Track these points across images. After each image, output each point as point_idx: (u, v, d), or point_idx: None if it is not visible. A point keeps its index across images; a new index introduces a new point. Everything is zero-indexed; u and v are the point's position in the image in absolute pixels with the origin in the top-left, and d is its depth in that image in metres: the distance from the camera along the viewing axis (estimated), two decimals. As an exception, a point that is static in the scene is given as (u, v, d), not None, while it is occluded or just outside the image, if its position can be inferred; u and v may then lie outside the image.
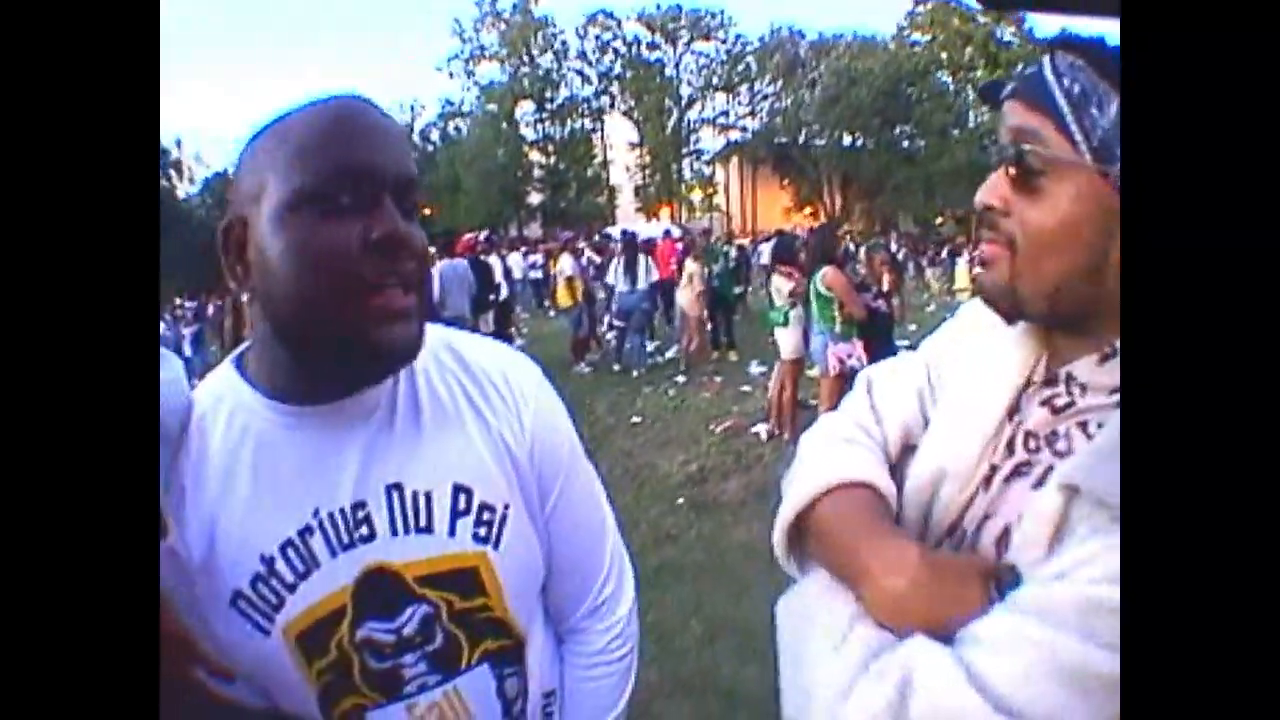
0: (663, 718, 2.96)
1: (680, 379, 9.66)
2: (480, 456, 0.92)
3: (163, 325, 14.65)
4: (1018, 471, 0.79)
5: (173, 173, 37.36)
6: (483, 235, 12.51)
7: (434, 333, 0.95)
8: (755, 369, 9.62)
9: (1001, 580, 0.71)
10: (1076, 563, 0.65)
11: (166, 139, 36.85)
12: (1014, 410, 0.82)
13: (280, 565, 0.86)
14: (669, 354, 11.28)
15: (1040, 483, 0.76)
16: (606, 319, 11.49)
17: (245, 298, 0.86)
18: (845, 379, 5.35)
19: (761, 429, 6.92)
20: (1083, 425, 0.76)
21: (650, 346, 11.51)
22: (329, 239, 0.78)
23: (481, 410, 0.94)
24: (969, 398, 0.86)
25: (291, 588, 0.86)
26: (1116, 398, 0.75)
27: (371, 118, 0.83)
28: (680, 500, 5.46)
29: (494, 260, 11.49)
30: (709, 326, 10.93)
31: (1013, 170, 0.76)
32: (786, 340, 6.58)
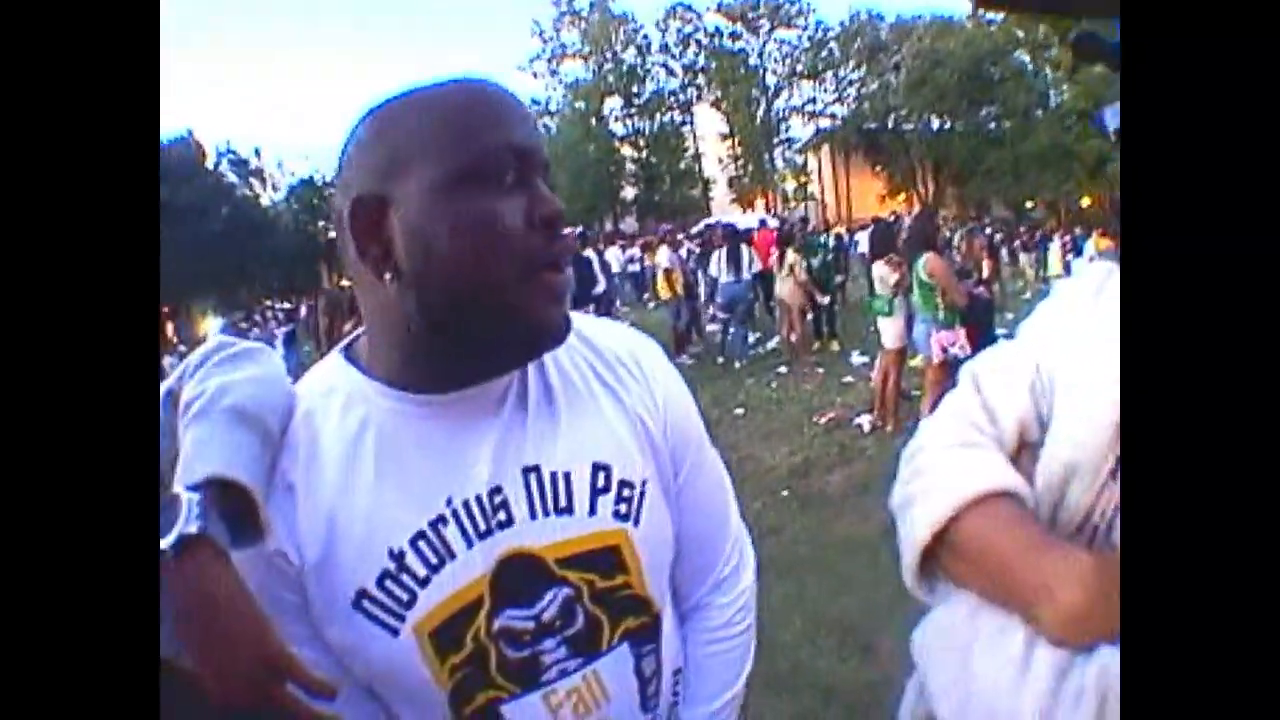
0: (760, 714, 2.91)
1: (782, 370, 9.60)
2: (617, 434, 0.91)
3: (254, 327, 15.17)
4: None
5: (254, 181, 38.92)
6: (577, 231, 12.70)
7: None
8: (856, 359, 9.48)
9: None
10: None
11: (245, 149, 38.57)
12: None
13: (411, 559, 0.82)
14: (770, 345, 11.22)
15: None
16: (710, 310, 11.48)
17: (388, 278, 0.80)
18: (949, 367, 5.24)
19: (864, 420, 6.82)
20: None
21: (751, 338, 11.47)
22: (496, 218, 0.77)
23: (615, 389, 0.93)
24: (1089, 388, 0.79)
25: (424, 582, 0.83)
26: None
27: (515, 99, 0.83)
28: (784, 493, 5.43)
29: (590, 255, 11.66)
30: (809, 317, 10.80)
31: None
32: (890, 329, 6.47)
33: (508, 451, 0.86)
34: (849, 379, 8.69)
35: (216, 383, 0.82)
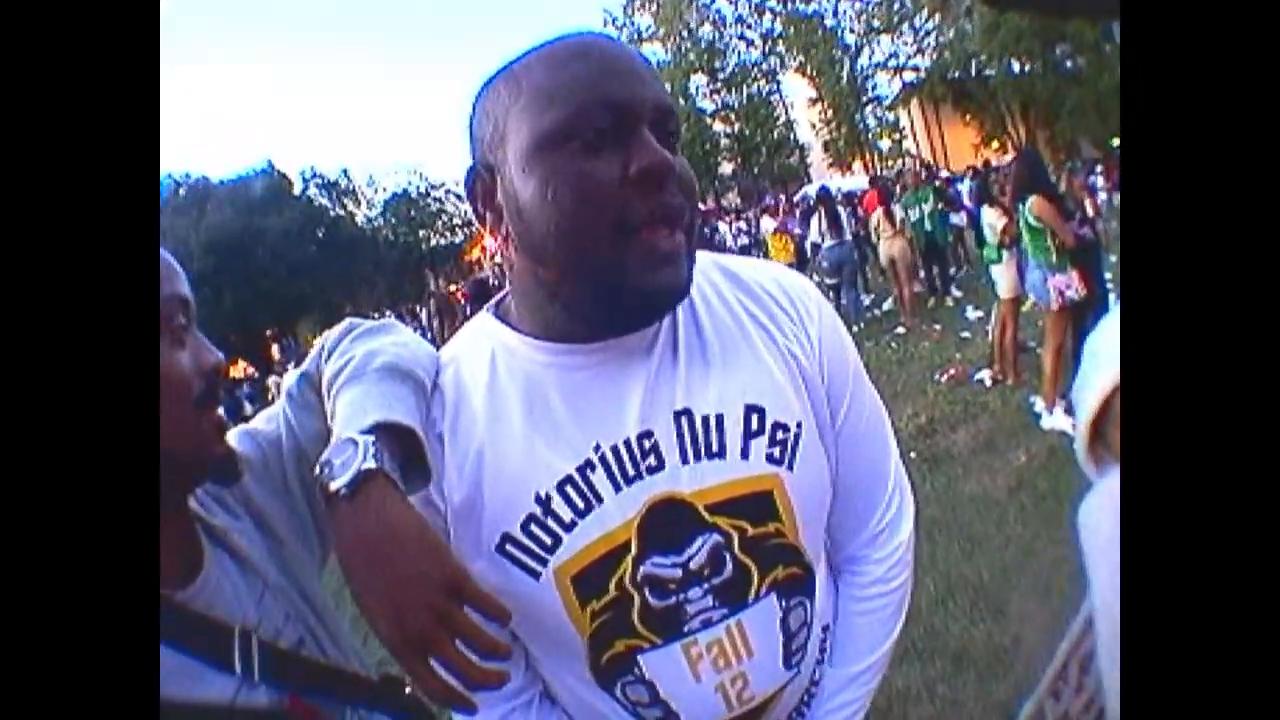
0: (891, 680, 2.91)
1: (900, 330, 9.38)
2: (771, 374, 0.88)
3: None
4: None
5: (346, 201, 40.21)
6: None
7: (702, 257, 0.91)
8: (973, 313, 9.16)
9: None
10: None
11: (333, 171, 39.82)
12: None
13: (558, 504, 0.82)
14: (885, 305, 10.96)
15: None
16: (815, 277, 11.35)
17: (500, 242, 0.83)
18: (1067, 312, 5.01)
19: (985, 375, 6.61)
20: None
21: (866, 300, 11.22)
22: (585, 176, 0.75)
23: (767, 326, 0.90)
24: None
25: (569, 527, 0.82)
26: None
27: (616, 49, 0.79)
28: (912, 454, 5.31)
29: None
30: (921, 273, 10.51)
31: None
32: (1003, 277, 6.22)
33: (658, 396, 0.85)
34: (966, 334, 8.42)
35: (363, 349, 0.85)
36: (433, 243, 41.31)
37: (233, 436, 0.87)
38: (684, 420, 0.84)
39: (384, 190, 41.19)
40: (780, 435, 0.87)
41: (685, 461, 0.84)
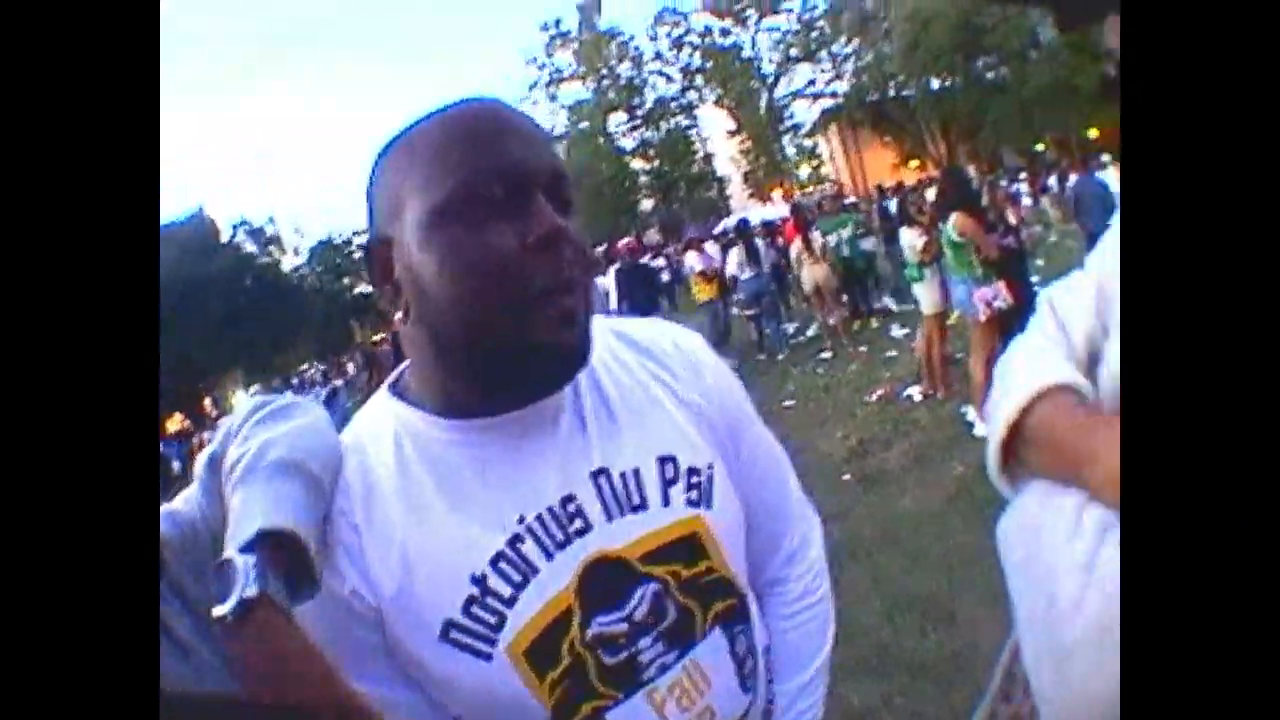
0: (847, 700, 2.92)
1: (826, 355, 9.52)
2: (677, 423, 0.92)
3: (290, 393, 15.54)
4: None
5: (273, 248, 39.58)
6: (622, 244, 12.77)
7: (596, 324, 0.93)
8: (898, 331, 9.37)
9: None
10: None
11: (260, 218, 39.25)
12: None
13: (494, 581, 0.82)
14: (810, 332, 11.14)
15: None
16: (735, 310, 11.47)
17: (399, 317, 0.83)
18: (996, 322, 5.13)
19: (914, 391, 6.72)
20: None
21: (791, 327, 11.36)
22: (484, 245, 0.75)
23: (667, 381, 0.94)
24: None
25: (510, 602, 0.82)
26: None
27: (508, 115, 0.80)
28: (845, 476, 5.38)
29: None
30: (845, 297, 10.71)
31: None
32: (926, 295, 6.36)
33: (573, 459, 0.86)
34: (893, 353, 8.58)
35: (259, 440, 0.81)
36: (358, 290, 40.63)
37: (163, 523, 0.82)
38: (603, 479, 0.87)
39: (309, 237, 40.59)
40: (695, 479, 0.91)
41: (611, 519, 0.86)
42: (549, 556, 0.83)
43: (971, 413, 5.46)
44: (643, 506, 0.87)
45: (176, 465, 15.20)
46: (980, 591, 3.18)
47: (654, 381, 0.94)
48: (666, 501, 0.88)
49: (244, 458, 0.80)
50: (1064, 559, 0.72)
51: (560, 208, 0.78)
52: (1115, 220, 0.97)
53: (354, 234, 40.56)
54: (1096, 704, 0.67)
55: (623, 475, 0.87)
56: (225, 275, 32.90)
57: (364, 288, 40.08)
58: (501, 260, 0.75)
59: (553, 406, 0.86)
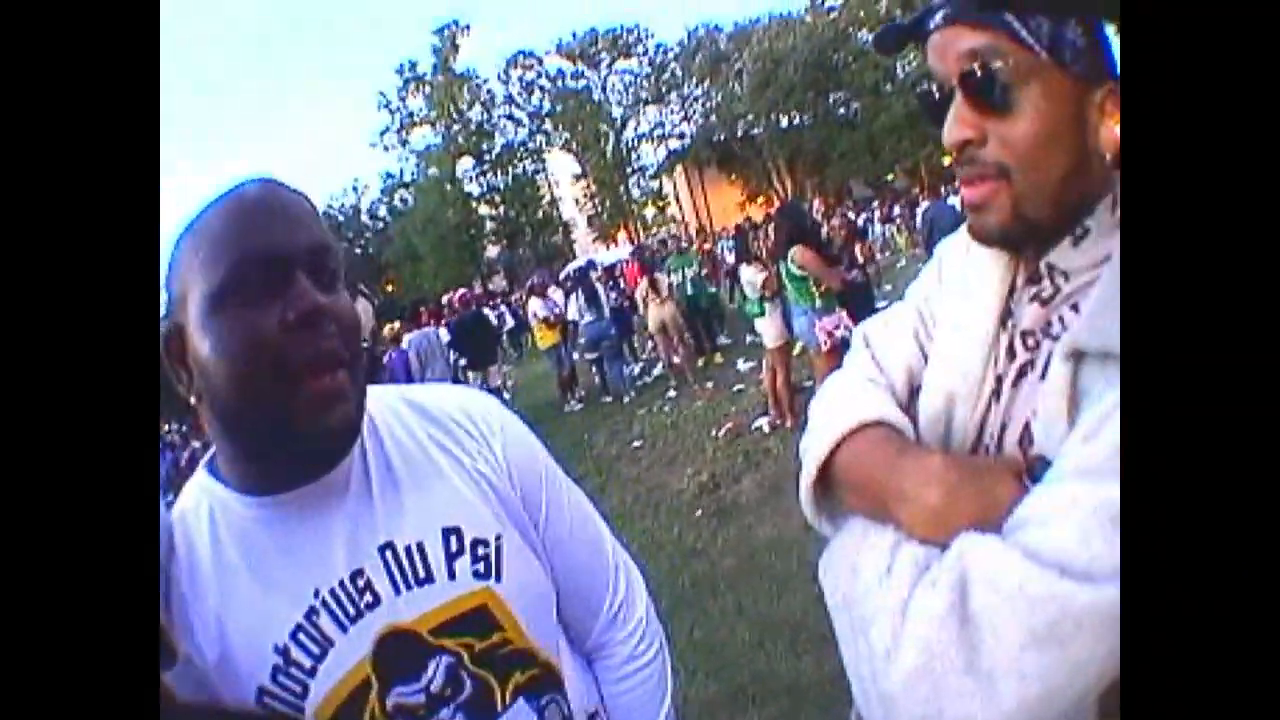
0: None
1: (671, 394, 9.61)
2: (461, 495, 0.92)
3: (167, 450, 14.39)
4: (1023, 372, 0.79)
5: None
6: (457, 295, 12.59)
7: (386, 391, 0.99)
8: (743, 365, 9.60)
9: (1032, 469, 0.71)
10: (1100, 418, 0.64)
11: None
12: (1005, 317, 0.83)
13: (296, 653, 0.85)
14: (656, 372, 11.26)
15: (1046, 374, 0.75)
16: (576, 355, 11.49)
17: (193, 401, 0.86)
18: (838, 351, 5.31)
19: (763, 422, 6.87)
20: (1074, 307, 0.76)
21: (636, 369, 11.45)
22: (247, 329, 0.78)
23: (452, 451, 0.95)
24: (959, 317, 0.86)
25: (311, 672, 0.85)
26: (1098, 271, 0.74)
27: (271, 197, 0.83)
28: (699, 512, 5.39)
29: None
30: (687, 336, 10.89)
31: (974, 97, 0.75)
32: (769, 329, 6.56)
33: (360, 533, 0.88)
34: (740, 387, 8.77)
35: None
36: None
37: None
38: (388, 553, 0.88)
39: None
40: (482, 550, 0.91)
41: (399, 592, 0.88)
42: (343, 629, 0.86)
43: (820, 439, 5.60)
44: (429, 580, 0.89)
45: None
46: None
47: (439, 451, 0.95)
48: (452, 575, 0.89)
49: None
50: (877, 603, 0.70)
51: (324, 282, 0.81)
52: (940, 244, 1.00)
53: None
54: None
55: (407, 548, 0.89)
56: None
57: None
58: (261, 340, 0.78)
59: (341, 478, 0.89)
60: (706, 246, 11.97)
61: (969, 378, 0.83)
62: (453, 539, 0.90)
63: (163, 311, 0.87)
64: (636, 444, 7.83)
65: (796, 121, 34.41)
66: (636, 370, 11.63)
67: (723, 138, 36.20)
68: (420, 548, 0.89)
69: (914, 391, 0.91)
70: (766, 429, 6.74)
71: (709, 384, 9.41)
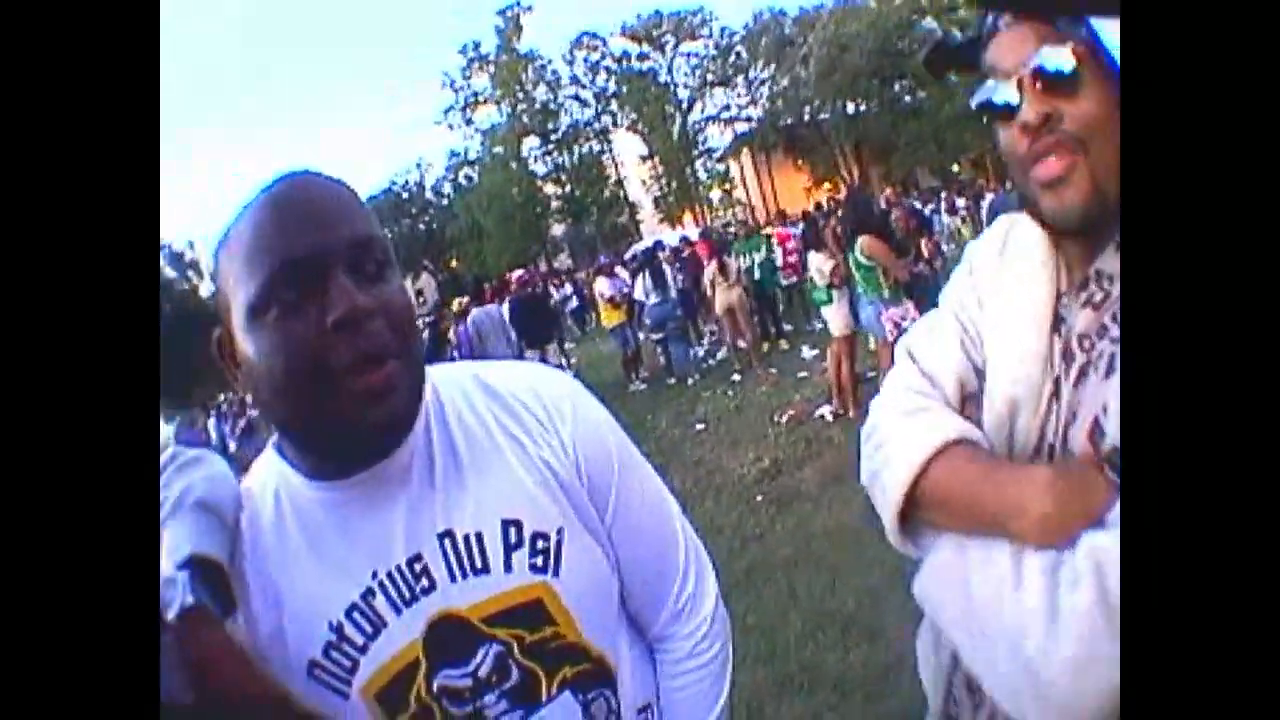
0: (774, 717, 2.91)
1: (736, 378, 9.61)
2: (523, 485, 0.91)
3: (211, 422, 14.86)
4: (1084, 372, 0.83)
5: (191, 273, 38.44)
6: (517, 274, 12.75)
7: (462, 369, 0.98)
8: (808, 353, 9.53)
9: (1112, 462, 0.76)
10: None
11: (179, 242, 38.07)
12: (1057, 323, 0.87)
13: (349, 630, 0.87)
14: (720, 355, 11.26)
15: (1110, 370, 0.80)
16: (642, 335, 11.52)
17: (249, 399, 0.89)
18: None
19: (825, 411, 6.83)
20: None
21: (700, 351, 11.45)
22: (287, 338, 0.78)
23: (518, 437, 0.93)
24: (1013, 328, 0.90)
25: (363, 649, 0.87)
26: None
27: (302, 195, 0.81)
28: (759, 498, 5.41)
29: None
30: (756, 319, 10.86)
31: (1046, 79, 0.80)
32: (835, 317, 6.51)
33: (420, 519, 0.89)
34: (804, 374, 8.72)
35: (181, 484, 0.88)
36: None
37: None
38: (447, 541, 0.89)
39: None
40: (541, 544, 0.91)
41: (454, 580, 0.89)
42: (398, 611, 0.88)
43: (883, 431, 5.55)
44: (485, 570, 0.89)
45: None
46: (904, 605, 3.16)
47: (504, 435, 0.93)
48: (509, 567, 0.89)
49: (169, 500, 0.86)
50: (1016, 608, 0.75)
51: (369, 275, 0.81)
52: (965, 251, 1.04)
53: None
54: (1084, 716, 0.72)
55: (466, 538, 0.89)
56: None
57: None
58: (304, 346, 0.78)
59: (404, 461, 0.89)
60: (783, 232, 11.77)
61: (1030, 385, 0.87)
62: (512, 530, 0.90)
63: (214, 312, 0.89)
64: (699, 426, 7.88)
65: (863, 109, 33.70)
66: (701, 353, 11.63)
67: (789, 122, 35.62)
68: (479, 538, 0.89)
69: (964, 399, 0.94)
70: (829, 418, 6.71)
71: (773, 370, 9.38)
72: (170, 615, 0.76)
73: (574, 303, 19.42)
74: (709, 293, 10.90)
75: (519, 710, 0.90)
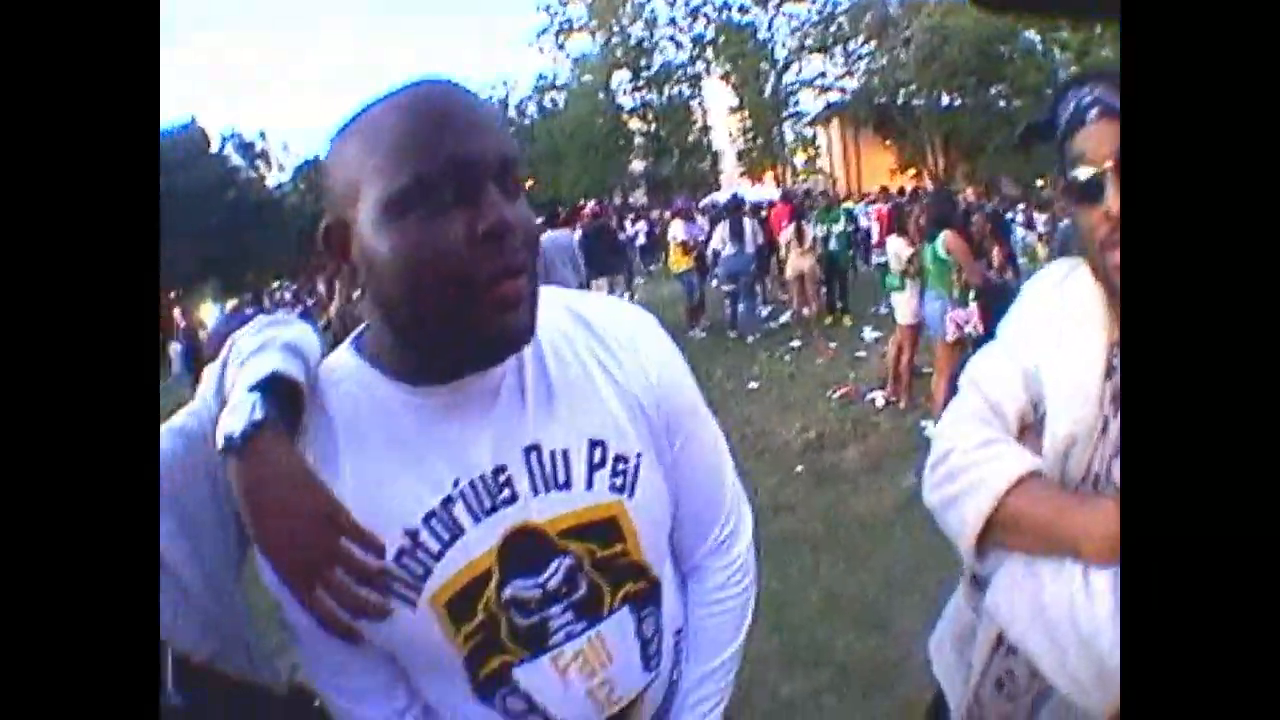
0: (776, 689, 2.97)
1: (795, 344, 9.58)
2: (612, 411, 0.95)
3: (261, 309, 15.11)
4: None
5: (259, 164, 38.96)
6: (590, 205, 12.73)
7: (554, 296, 0.98)
8: (869, 334, 9.45)
9: None
10: None
11: (251, 133, 38.50)
12: (1109, 370, 0.98)
13: (425, 536, 0.88)
14: (783, 319, 11.21)
15: None
16: (713, 284, 11.46)
17: (356, 294, 0.93)
18: (962, 346, 5.21)
19: (877, 395, 6.82)
20: None
21: (764, 311, 11.40)
22: (435, 239, 0.77)
23: (608, 366, 0.96)
24: (1074, 372, 1.00)
25: (438, 556, 0.88)
26: None
27: (461, 102, 0.81)
28: (799, 469, 5.42)
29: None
30: (823, 291, 10.78)
31: None
32: (904, 305, 6.43)
33: (509, 432, 0.91)
34: (862, 354, 8.67)
35: (271, 333, 0.93)
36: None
37: (166, 438, 0.90)
38: (533, 455, 0.91)
39: (296, 156, 39.68)
40: (621, 467, 0.95)
41: (536, 493, 0.91)
42: (476, 520, 0.89)
43: (930, 428, 5.53)
44: (567, 486, 0.92)
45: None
46: (918, 604, 3.21)
47: (596, 365, 0.96)
48: (590, 485, 0.93)
49: (256, 344, 0.90)
50: (1089, 615, 0.88)
51: (509, 193, 0.81)
52: (1022, 289, 1.14)
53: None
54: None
55: (553, 454, 0.91)
56: (208, 187, 32.44)
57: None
58: (450, 250, 0.78)
59: (496, 378, 0.90)
60: (882, 209, 11.51)
61: (1087, 424, 0.98)
62: (597, 450, 0.93)
63: (321, 201, 0.88)
64: (753, 385, 7.91)
65: (957, 103, 32.53)
66: (765, 313, 11.57)
67: (883, 101, 34.51)
68: (565, 455, 0.92)
69: (1023, 429, 1.05)
70: (880, 403, 6.69)
71: (833, 344, 9.32)
72: (237, 433, 0.79)
73: (642, 240, 19.34)
74: (782, 255, 10.82)
75: (582, 621, 0.94)
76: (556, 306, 0.97)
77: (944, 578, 1.27)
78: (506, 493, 0.90)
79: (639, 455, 0.96)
